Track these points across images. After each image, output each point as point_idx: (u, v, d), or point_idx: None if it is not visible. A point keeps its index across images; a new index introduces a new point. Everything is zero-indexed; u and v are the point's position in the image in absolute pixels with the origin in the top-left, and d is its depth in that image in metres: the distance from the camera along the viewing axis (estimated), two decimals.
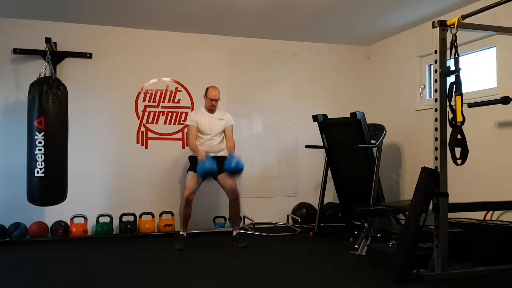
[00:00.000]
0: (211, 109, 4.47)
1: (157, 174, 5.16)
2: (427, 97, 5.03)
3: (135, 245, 4.47)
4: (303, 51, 5.79)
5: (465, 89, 3.20)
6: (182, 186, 4.37)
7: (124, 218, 4.87)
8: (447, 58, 3.20)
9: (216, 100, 4.44)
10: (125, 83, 5.15)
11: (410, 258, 3.10)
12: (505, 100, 3.52)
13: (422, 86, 5.09)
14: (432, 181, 3.14)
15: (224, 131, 4.48)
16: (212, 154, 4.32)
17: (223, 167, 4.22)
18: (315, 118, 4.98)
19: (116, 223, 4.87)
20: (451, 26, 3.16)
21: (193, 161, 4.39)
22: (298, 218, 5.27)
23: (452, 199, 3.20)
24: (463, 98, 3.14)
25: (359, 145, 4.58)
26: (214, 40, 5.47)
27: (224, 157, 4.40)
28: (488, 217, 3.90)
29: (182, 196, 4.33)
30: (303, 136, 5.64)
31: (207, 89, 4.47)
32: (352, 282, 3.18)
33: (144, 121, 5.20)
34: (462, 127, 3.14)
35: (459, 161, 3.19)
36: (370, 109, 5.51)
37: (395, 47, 5.50)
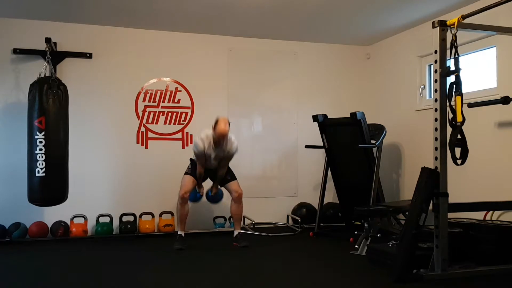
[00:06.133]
0: (218, 143, 4.18)
1: (157, 174, 5.15)
2: (427, 97, 5.02)
3: (135, 245, 4.47)
4: (303, 51, 5.79)
5: (465, 89, 3.20)
6: None
7: (124, 218, 4.87)
8: (447, 58, 3.20)
9: (224, 136, 4.10)
10: (125, 83, 5.15)
11: (410, 258, 3.10)
12: (505, 100, 3.52)
13: (422, 86, 5.09)
14: (432, 181, 3.14)
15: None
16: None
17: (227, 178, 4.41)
18: (315, 118, 4.98)
19: (116, 223, 4.87)
20: (451, 26, 3.16)
21: (193, 165, 4.40)
22: (298, 218, 5.27)
23: (452, 199, 3.19)
24: (463, 98, 3.14)
25: (359, 145, 4.58)
26: (214, 40, 5.47)
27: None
28: (488, 217, 3.90)
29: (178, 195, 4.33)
30: (303, 136, 5.64)
31: (216, 121, 4.10)
32: (352, 282, 3.18)
33: (144, 121, 5.20)
34: (462, 127, 3.14)
35: (459, 161, 3.19)
36: (370, 109, 5.51)
37: (395, 47, 5.50)
